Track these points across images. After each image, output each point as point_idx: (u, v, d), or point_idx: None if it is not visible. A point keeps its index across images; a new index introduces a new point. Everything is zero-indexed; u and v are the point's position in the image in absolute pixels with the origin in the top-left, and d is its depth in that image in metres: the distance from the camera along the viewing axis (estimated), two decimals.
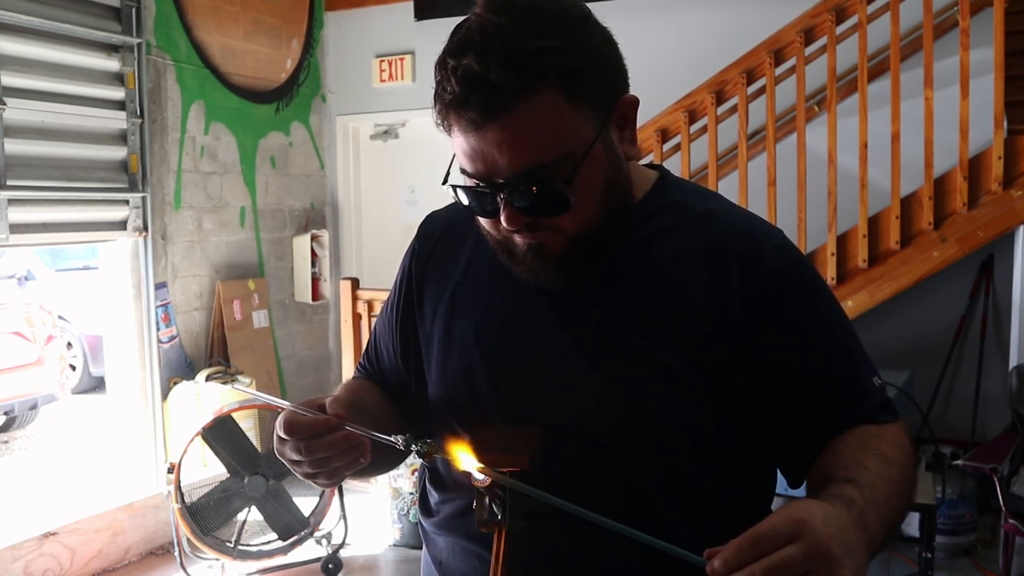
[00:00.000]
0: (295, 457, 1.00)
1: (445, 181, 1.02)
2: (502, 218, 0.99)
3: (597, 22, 1.00)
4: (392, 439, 0.97)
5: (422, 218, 1.27)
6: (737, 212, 1.11)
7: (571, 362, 1.05)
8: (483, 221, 1.05)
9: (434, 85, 0.97)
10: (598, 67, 0.98)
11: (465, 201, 1.02)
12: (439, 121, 0.98)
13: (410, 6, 5.35)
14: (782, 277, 1.04)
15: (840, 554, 0.76)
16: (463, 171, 1.00)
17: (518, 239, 1.02)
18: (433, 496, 1.18)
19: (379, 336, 1.27)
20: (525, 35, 0.93)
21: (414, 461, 3.47)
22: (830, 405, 1.03)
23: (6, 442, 6.63)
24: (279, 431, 1.00)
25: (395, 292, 1.24)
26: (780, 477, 1.13)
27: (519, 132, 0.94)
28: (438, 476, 1.17)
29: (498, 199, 0.98)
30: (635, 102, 1.03)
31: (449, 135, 0.99)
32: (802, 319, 1.04)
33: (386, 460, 1.17)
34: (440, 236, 1.21)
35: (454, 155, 1.01)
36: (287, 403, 1.02)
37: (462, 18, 0.98)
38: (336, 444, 0.98)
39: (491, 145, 0.95)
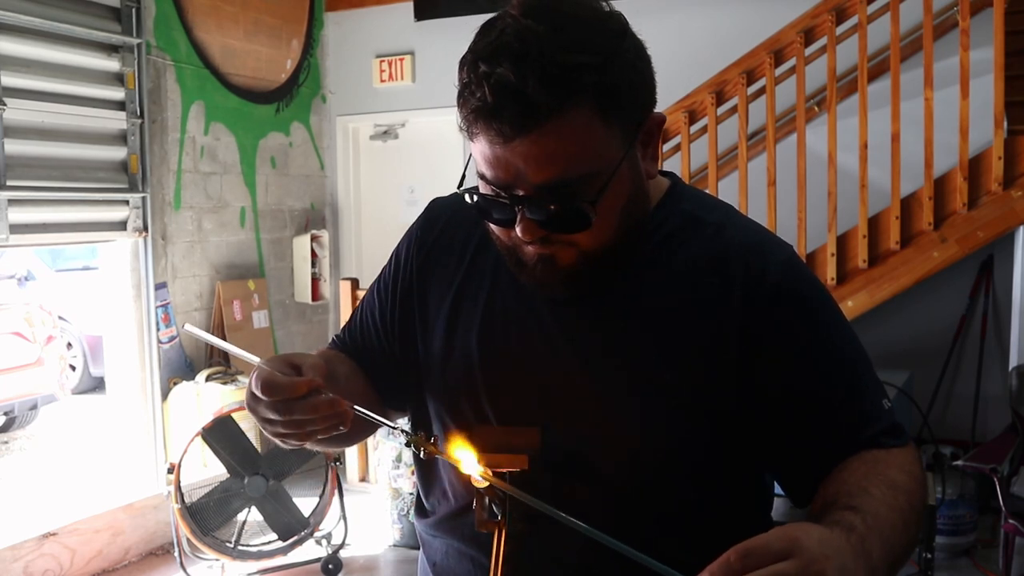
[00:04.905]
0: (271, 416, 0.96)
1: (460, 184, 0.99)
2: (517, 229, 0.95)
3: (634, 35, 0.96)
4: (395, 426, 0.93)
5: None
6: (745, 225, 1.07)
7: (571, 376, 1.03)
8: (494, 227, 1.01)
9: (458, 85, 0.92)
10: (632, 85, 0.94)
11: (480, 207, 0.98)
12: (463, 126, 0.93)
13: (410, 6, 5.35)
14: (785, 294, 1.00)
15: None
16: (481, 175, 0.96)
17: (529, 249, 0.98)
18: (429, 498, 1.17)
19: (365, 313, 1.22)
20: (564, 48, 0.88)
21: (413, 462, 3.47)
22: (834, 428, 0.99)
23: (6, 442, 6.63)
24: (255, 389, 0.95)
25: (389, 272, 1.20)
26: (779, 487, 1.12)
27: (549, 148, 0.90)
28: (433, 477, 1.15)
29: (516, 209, 0.94)
30: (662, 121, 1.00)
31: (471, 140, 0.94)
32: (805, 337, 1.00)
33: (354, 433, 1.11)
34: (445, 224, 1.16)
35: (470, 156, 0.98)
36: (254, 356, 0.97)
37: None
38: (319, 408, 0.95)
39: (518, 157, 0.91)
